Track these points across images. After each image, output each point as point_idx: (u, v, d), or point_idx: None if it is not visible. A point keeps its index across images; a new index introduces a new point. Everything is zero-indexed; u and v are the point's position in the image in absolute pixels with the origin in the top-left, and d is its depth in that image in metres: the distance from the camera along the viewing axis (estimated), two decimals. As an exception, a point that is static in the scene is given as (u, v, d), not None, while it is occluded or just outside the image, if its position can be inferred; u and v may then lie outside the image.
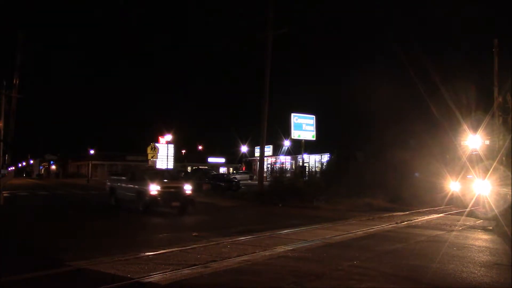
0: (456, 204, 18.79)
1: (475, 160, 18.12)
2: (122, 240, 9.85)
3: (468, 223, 13.69)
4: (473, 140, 18.30)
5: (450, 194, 19.49)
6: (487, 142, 17.78)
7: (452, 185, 19.57)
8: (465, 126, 18.25)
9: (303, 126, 30.35)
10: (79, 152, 66.21)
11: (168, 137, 32.66)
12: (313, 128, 30.88)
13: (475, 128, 17.94)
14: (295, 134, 30.06)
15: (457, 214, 16.34)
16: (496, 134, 15.70)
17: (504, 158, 15.35)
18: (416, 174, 21.95)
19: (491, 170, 15.67)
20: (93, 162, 59.70)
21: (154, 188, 14.63)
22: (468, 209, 16.35)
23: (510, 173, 14.82)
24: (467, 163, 18.47)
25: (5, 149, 17.35)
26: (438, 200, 19.43)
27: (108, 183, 18.49)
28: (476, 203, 16.51)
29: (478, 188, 16.80)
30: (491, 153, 17.15)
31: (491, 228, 12.48)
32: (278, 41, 25.33)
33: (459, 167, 19.38)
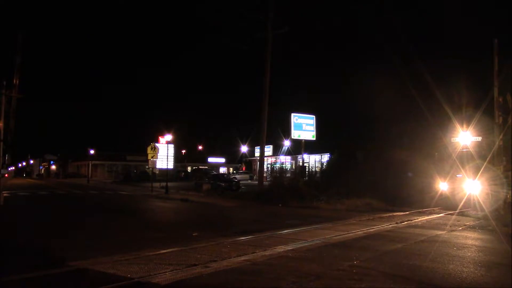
0: (447, 205, 18.21)
1: (465, 158, 17.89)
2: (122, 239, 9.86)
3: (468, 223, 13.68)
4: (464, 137, 18.00)
5: (442, 194, 19.06)
6: (479, 138, 17.53)
7: (444, 185, 19.22)
8: (456, 123, 17.92)
9: (303, 126, 30.31)
10: (79, 152, 66.27)
11: (168, 137, 32.62)
12: (313, 128, 30.85)
13: (466, 125, 17.64)
14: (295, 134, 30.03)
15: (457, 214, 16.31)
16: (497, 134, 15.62)
17: (504, 158, 15.32)
18: (409, 174, 21.80)
19: (482, 169, 15.60)
20: (93, 162, 59.73)
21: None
22: (463, 210, 16.31)
23: (509, 173, 14.80)
24: (457, 161, 18.17)
25: (5, 149, 17.32)
26: (435, 200, 19.26)
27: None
28: (472, 203, 16.42)
29: (469, 187, 16.68)
30: (482, 150, 17.00)
31: (491, 228, 12.47)
32: (278, 40, 25.35)
33: (449, 166, 19.05)
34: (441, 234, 11.12)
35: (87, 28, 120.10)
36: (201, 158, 69.88)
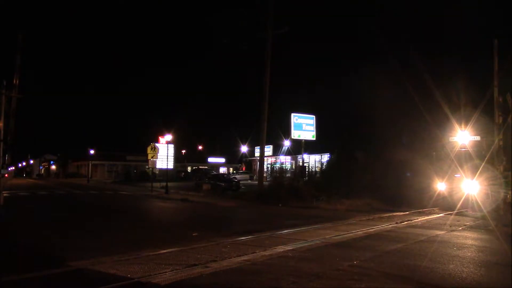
0: (446, 205, 18.03)
1: (464, 157, 17.83)
2: (117, 239, 9.87)
3: (467, 223, 13.69)
4: (462, 136, 17.88)
5: (440, 194, 18.89)
6: (478, 138, 17.49)
7: (442, 185, 19.09)
8: (454, 122, 17.83)
9: (303, 126, 30.30)
10: (79, 152, 66.22)
11: (168, 137, 32.63)
12: (313, 128, 30.84)
13: (464, 124, 17.56)
14: (295, 134, 30.02)
15: (455, 214, 16.31)
16: (497, 134, 15.62)
17: (504, 158, 15.32)
18: (408, 174, 21.72)
19: (480, 169, 15.57)
20: (93, 162, 59.70)
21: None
22: (461, 210, 16.30)
23: (509, 173, 14.80)
24: (455, 161, 18.08)
25: (5, 149, 17.32)
26: (434, 200, 19.18)
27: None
28: (471, 203, 16.40)
29: (467, 187, 16.64)
30: (481, 150, 16.96)
31: (490, 228, 12.48)
32: (278, 40, 25.36)
33: (447, 166, 18.92)
34: (440, 234, 11.13)
35: (88, 29, 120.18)
36: (201, 158, 69.88)
